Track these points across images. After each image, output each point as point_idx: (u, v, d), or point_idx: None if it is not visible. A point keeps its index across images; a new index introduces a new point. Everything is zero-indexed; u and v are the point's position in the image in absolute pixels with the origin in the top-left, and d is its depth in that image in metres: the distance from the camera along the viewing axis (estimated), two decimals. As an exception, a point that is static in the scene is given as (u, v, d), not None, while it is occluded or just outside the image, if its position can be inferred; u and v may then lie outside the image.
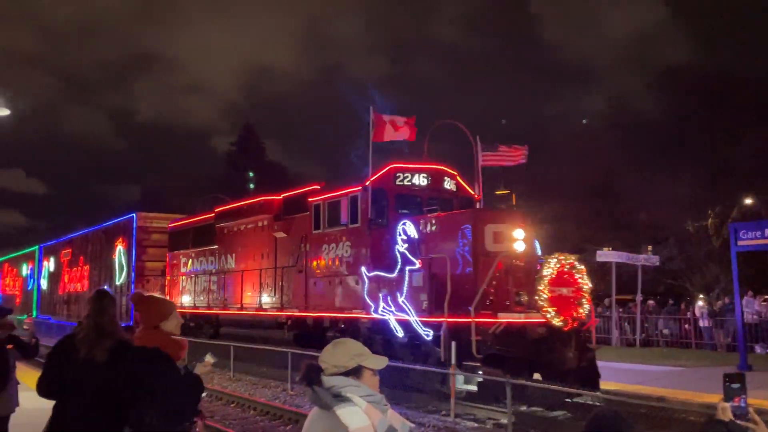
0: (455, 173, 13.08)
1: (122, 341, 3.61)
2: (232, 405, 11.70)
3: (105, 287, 17.58)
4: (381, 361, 2.56)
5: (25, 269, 39.23)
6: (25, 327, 7.12)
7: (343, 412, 2.34)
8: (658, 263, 23.66)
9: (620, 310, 23.01)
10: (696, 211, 27.87)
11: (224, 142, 58.30)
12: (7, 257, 45.57)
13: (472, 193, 13.37)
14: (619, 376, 12.84)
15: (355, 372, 2.49)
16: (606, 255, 22.21)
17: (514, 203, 15.54)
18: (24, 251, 40.33)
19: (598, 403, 9.42)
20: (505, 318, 9.63)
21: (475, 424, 9.39)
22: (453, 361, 9.43)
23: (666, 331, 21.75)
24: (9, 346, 5.95)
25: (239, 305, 16.48)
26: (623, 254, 22.54)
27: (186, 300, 19.54)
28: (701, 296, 22.89)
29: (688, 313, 21.72)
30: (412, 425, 2.59)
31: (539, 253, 10.83)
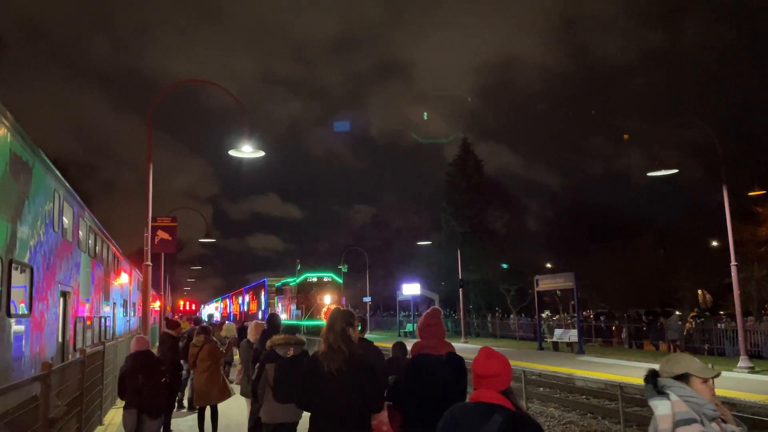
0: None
1: (355, 355, 3.93)
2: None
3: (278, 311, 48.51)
4: (705, 372, 3.04)
5: (240, 300, 72.15)
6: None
7: (654, 402, 2.97)
8: None
9: None
10: None
11: (455, 153, 58.49)
12: (233, 292, 79.97)
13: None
14: None
15: (684, 378, 3.03)
16: None
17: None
18: (239, 290, 73.64)
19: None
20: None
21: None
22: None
23: None
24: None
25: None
26: None
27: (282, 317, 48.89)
28: None
29: None
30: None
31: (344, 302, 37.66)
